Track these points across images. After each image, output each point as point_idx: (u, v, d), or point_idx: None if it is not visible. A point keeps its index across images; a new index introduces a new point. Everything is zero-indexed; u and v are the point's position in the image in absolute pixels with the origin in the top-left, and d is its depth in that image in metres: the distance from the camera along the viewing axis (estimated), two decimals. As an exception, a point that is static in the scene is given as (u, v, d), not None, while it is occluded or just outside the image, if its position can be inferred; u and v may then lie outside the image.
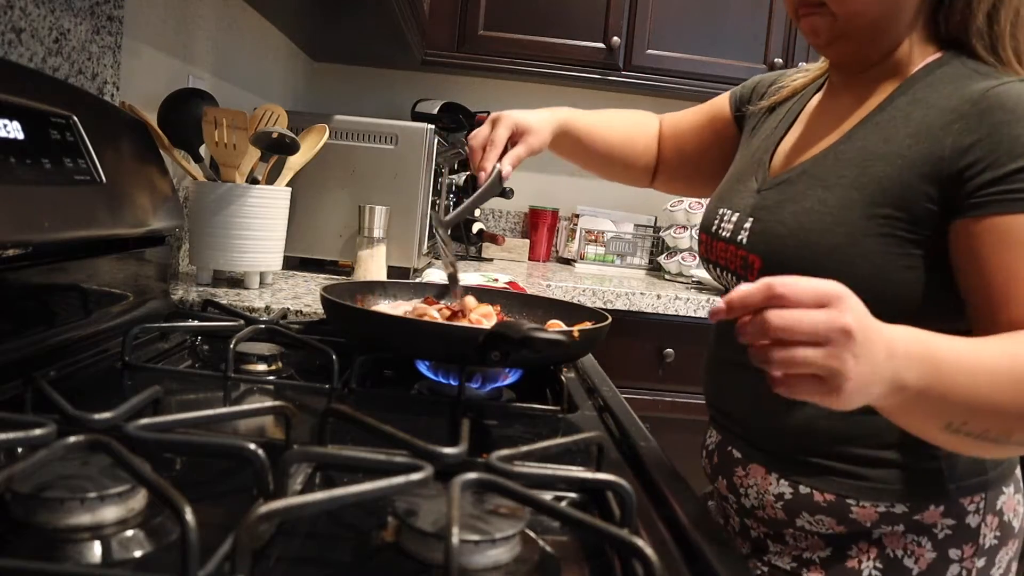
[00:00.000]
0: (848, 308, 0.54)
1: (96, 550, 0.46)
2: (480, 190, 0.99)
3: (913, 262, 0.74)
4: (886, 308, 0.61)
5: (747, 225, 0.86)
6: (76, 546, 0.46)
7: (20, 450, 0.53)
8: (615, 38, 2.26)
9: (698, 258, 2.33)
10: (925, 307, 0.74)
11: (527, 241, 2.57)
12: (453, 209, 2.14)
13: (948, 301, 0.73)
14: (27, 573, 0.41)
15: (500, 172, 0.99)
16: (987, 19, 0.75)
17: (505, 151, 1.01)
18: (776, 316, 0.53)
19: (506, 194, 2.30)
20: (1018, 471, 0.86)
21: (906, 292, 0.74)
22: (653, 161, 1.17)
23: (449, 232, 1.02)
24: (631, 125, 1.16)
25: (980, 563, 0.80)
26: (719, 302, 0.57)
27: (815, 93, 0.93)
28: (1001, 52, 0.75)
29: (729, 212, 0.90)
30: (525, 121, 1.01)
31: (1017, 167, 0.67)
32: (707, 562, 0.52)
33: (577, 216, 2.60)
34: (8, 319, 0.75)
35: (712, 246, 0.93)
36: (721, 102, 1.08)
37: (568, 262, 2.61)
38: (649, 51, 2.29)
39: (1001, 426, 0.61)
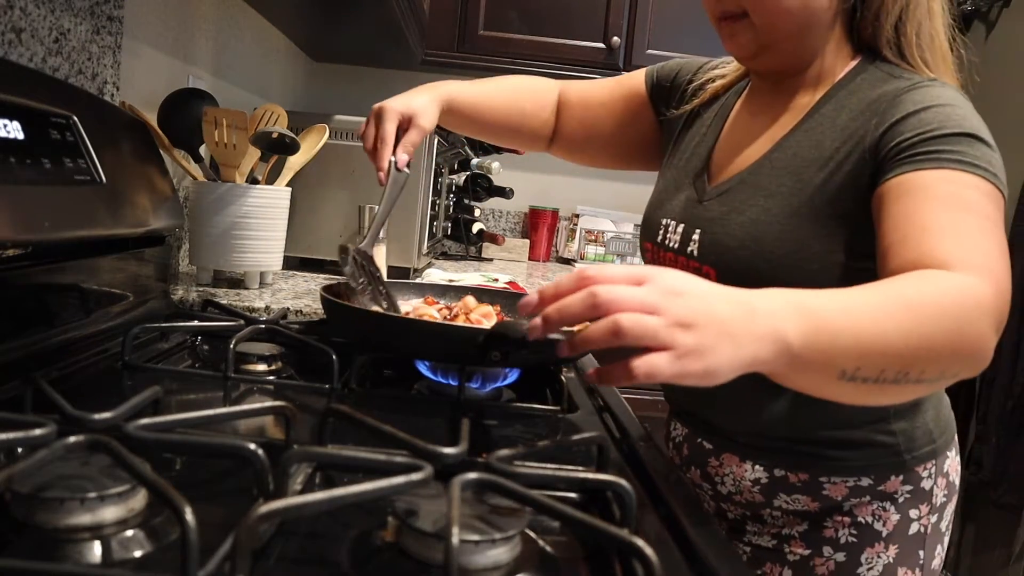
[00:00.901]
0: (664, 280, 0.53)
1: (96, 550, 0.46)
2: (385, 194, 0.96)
3: (855, 255, 0.78)
4: None
5: (695, 237, 0.88)
6: (76, 546, 0.46)
7: (20, 450, 0.53)
8: (615, 38, 2.26)
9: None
10: None
11: (527, 241, 2.57)
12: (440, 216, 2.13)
13: None
14: (27, 573, 0.41)
15: (395, 164, 0.96)
16: (894, 30, 0.82)
17: (399, 142, 0.98)
18: (603, 290, 0.52)
19: (506, 194, 2.31)
20: (955, 436, 0.95)
21: (850, 282, 0.75)
22: (547, 127, 1.15)
23: (371, 259, 0.94)
24: (518, 92, 1.14)
25: (933, 519, 0.90)
26: (531, 295, 0.57)
27: (738, 96, 0.95)
28: (909, 58, 0.82)
29: (673, 223, 0.92)
30: (409, 107, 0.99)
31: (921, 138, 0.73)
32: (707, 562, 0.52)
33: (577, 216, 2.60)
34: (8, 319, 0.75)
35: (660, 256, 0.94)
36: (636, 82, 1.08)
37: (568, 262, 2.61)
38: (649, 51, 2.29)
39: (896, 366, 0.59)
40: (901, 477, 0.87)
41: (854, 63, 0.85)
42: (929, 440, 0.88)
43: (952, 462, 0.92)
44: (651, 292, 0.52)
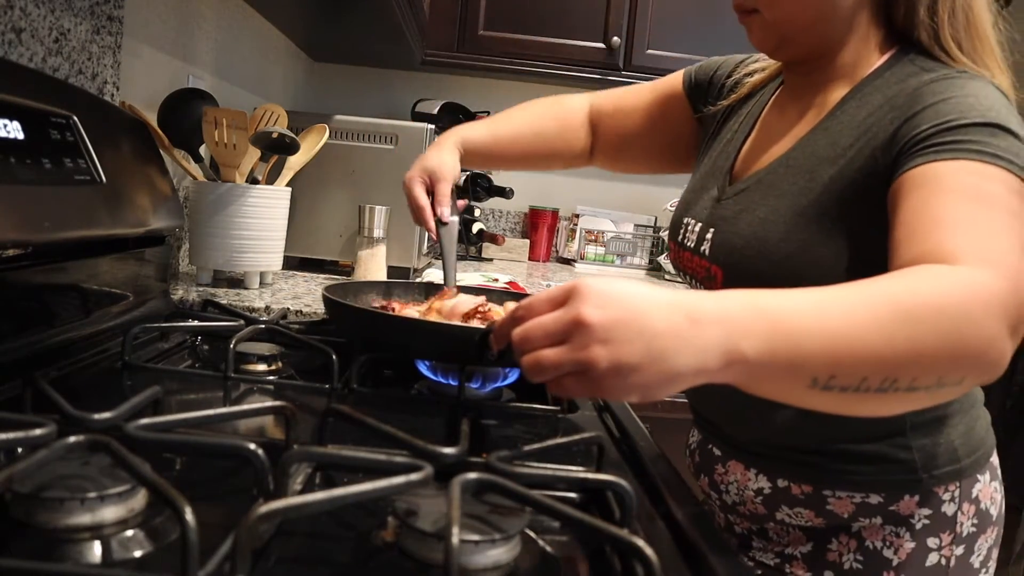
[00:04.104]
0: (582, 297, 0.51)
1: (96, 550, 0.46)
2: (443, 247, 1.04)
3: (863, 260, 0.72)
4: None
5: (708, 236, 0.86)
6: (76, 546, 0.46)
7: (20, 450, 0.53)
8: (615, 38, 2.26)
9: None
10: None
11: (527, 241, 2.57)
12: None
13: None
14: (27, 573, 0.41)
15: (441, 220, 1.03)
16: (928, 11, 0.76)
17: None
18: (517, 331, 0.54)
19: (506, 194, 2.31)
20: (994, 459, 0.87)
21: None
22: (580, 143, 1.14)
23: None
24: (537, 117, 1.14)
25: (959, 551, 0.81)
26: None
27: (773, 93, 0.92)
28: (945, 45, 0.76)
29: (692, 222, 0.91)
30: (425, 168, 1.04)
31: (938, 129, 0.67)
32: (706, 562, 0.52)
33: (577, 216, 2.60)
34: (8, 319, 0.75)
35: (680, 255, 0.93)
36: (672, 82, 1.06)
37: (568, 262, 2.61)
38: (649, 51, 2.29)
39: (880, 373, 0.52)
40: (917, 498, 0.80)
41: (888, 55, 0.79)
42: (952, 459, 0.81)
43: (985, 488, 0.83)
44: (560, 318, 0.51)
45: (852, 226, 0.73)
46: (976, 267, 0.56)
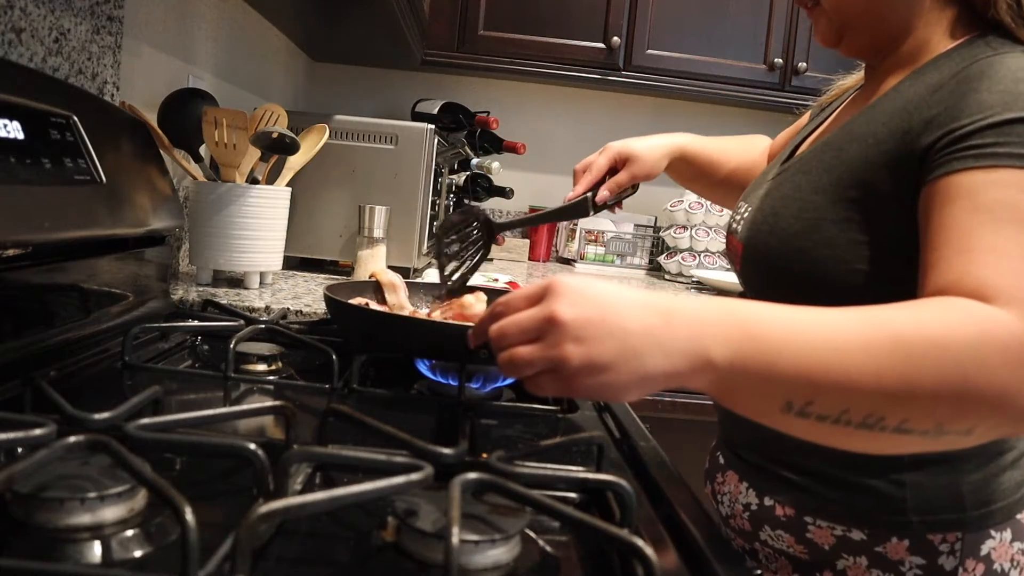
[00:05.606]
0: (556, 295, 0.50)
1: (96, 550, 0.46)
2: (558, 207, 1.02)
3: (877, 250, 0.68)
4: (849, 296, 0.56)
5: (745, 214, 0.85)
6: (76, 546, 0.46)
7: (20, 450, 0.53)
8: (615, 38, 2.26)
9: (698, 258, 2.33)
10: (892, 298, 0.61)
11: (527, 241, 2.57)
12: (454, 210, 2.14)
13: (915, 293, 0.64)
14: (27, 573, 0.41)
15: (588, 199, 1.00)
16: None
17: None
18: (493, 327, 0.54)
19: (506, 194, 2.31)
20: None
21: (869, 281, 0.68)
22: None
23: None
24: (746, 142, 1.14)
25: None
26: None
27: (854, 93, 0.89)
28: None
29: (744, 205, 0.89)
30: (630, 149, 1.02)
31: (978, 126, 0.61)
32: (707, 562, 0.52)
33: (577, 216, 2.60)
34: (8, 319, 0.75)
35: (729, 240, 0.92)
36: (804, 117, 1.06)
37: (568, 262, 2.61)
38: (649, 51, 2.29)
39: (864, 407, 0.49)
40: (907, 543, 0.72)
41: (962, 40, 0.71)
42: (955, 507, 0.72)
43: (1002, 547, 0.73)
44: (534, 315, 0.51)
45: (867, 209, 0.69)
46: (1003, 306, 0.52)
